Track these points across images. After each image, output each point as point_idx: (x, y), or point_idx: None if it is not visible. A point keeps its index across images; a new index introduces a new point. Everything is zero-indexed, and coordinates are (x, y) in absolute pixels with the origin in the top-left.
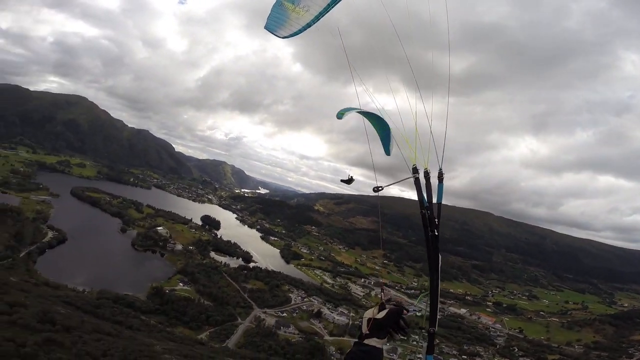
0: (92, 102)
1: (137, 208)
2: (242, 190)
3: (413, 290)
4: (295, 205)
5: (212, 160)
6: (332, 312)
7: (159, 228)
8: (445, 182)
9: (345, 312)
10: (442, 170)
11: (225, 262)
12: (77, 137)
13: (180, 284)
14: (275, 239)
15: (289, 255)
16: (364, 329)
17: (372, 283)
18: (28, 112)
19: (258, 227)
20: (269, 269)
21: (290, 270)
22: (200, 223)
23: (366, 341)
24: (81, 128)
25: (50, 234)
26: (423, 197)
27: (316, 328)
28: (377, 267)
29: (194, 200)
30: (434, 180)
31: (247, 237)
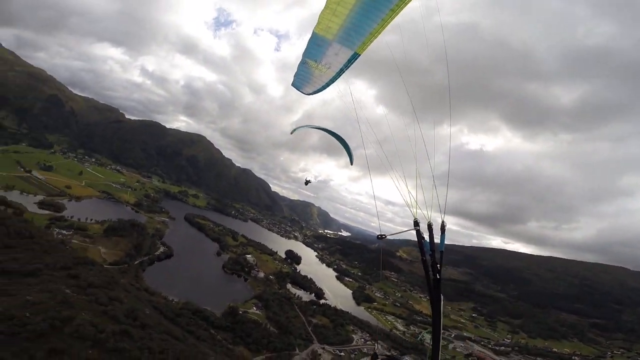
0: (209, 141)
1: (233, 236)
2: (326, 231)
3: (503, 347)
4: (375, 249)
5: (301, 201)
6: None
7: (247, 256)
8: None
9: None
10: (445, 222)
11: (298, 295)
12: (195, 172)
13: (254, 308)
14: (350, 280)
15: (360, 297)
16: None
17: (453, 336)
18: (163, 147)
19: (335, 266)
20: (338, 308)
21: (360, 312)
22: (283, 256)
23: None
24: (199, 164)
25: (161, 249)
26: (425, 246)
27: None
28: (462, 320)
29: (281, 236)
30: (437, 230)
31: (323, 275)
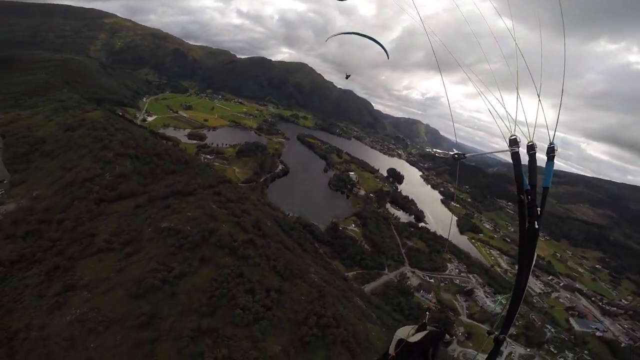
0: (310, 68)
1: (338, 154)
2: (434, 150)
3: (615, 309)
4: (492, 174)
5: (407, 118)
6: (487, 297)
7: (350, 173)
8: None
9: (504, 301)
10: (554, 144)
11: (396, 216)
12: (302, 96)
13: (353, 225)
14: (457, 205)
15: (465, 226)
16: (391, 350)
17: (561, 285)
18: (272, 78)
19: (441, 189)
20: (437, 233)
21: (461, 241)
22: (385, 174)
23: None
24: (304, 89)
25: (280, 167)
26: (523, 177)
27: (457, 305)
28: (580, 270)
29: (384, 153)
30: (541, 156)
31: (426, 197)
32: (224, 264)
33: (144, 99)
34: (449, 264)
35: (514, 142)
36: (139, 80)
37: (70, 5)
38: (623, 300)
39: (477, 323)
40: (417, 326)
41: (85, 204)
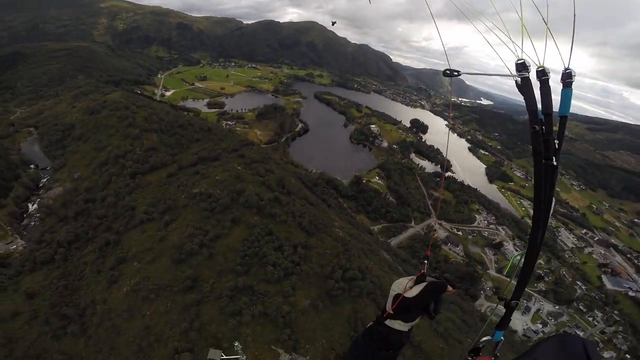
0: (322, 25)
1: (357, 108)
2: (460, 99)
3: None
4: (523, 121)
5: (429, 69)
6: (517, 250)
7: (371, 126)
8: None
9: (518, 260)
10: (571, 69)
11: (422, 166)
12: (316, 54)
13: (376, 177)
14: (486, 153)
15: (495, 174)
16: (388, 306)
17: (595, 240)
18: (283, 39)
19: (469, 137)
20: (465, 183)
21: (491, 191)
22: (408, 125)
23: (388, 322)
24: (317, 47)
25: (300, 125)
26: (536, 106)
27: (486, 258)
28: (617, 224)
29: (406, 105)
30: (554, 84)
31: (452, 146)
32: (253, 224)
33: (159, 75)
34: (477, 215)
35: (521, 67)
36: (150, 58)
37: None
38: None
39: (505, 278)
40: (414, 277)
41: (122, 179)
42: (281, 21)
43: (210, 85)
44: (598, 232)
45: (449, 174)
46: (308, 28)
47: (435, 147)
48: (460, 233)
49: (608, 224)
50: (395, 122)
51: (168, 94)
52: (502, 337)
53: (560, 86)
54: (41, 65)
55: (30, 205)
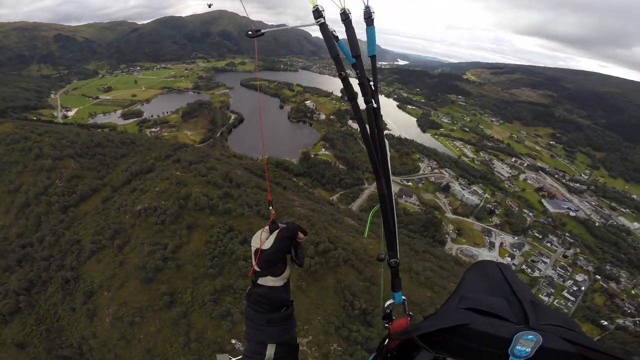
0: (231, 13)
1: (289, 88)
2: (380, 63)
3: (578, 185)
4: (438, 74)
5: (344, 39)
6: (464, 189)
7: (307, 102)
8: None
9: (480, 191)
10: (370, 7)
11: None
12: (232, 42)
13: (323, 149)
14: (413, 107)
15: (426, 124)
16: (254, 263)
17: (525, 165)
18: (190, 34)
19: (395, 96)
20: (402, 137)
21: (426, 139)
22: (339, 95)
23: (260, 281)
24: (232, 35)
25: (233, 117)
26: (337, 51)
27: (440, 203)
28: (537, 148)
29: (334, 76)
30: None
31: (383, 107)
32: (210, 224)
33: (53, 95)
34: (420, 164)
35: (317, 14)
36: (33, 78)
37: None
38: (583, 175)
39: (462, 218)
40: (267, 228)
41: (53, 216)
42: (183, 15)
43: (119, 94)
44: (525, 159)
45: (386, 132)
46: (216, 17)
47: None
48: (410, 184)
49: (530, 150)
50: (328, 94)
51: (71, 113)
52: (403, 297)
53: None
54: None
55: None
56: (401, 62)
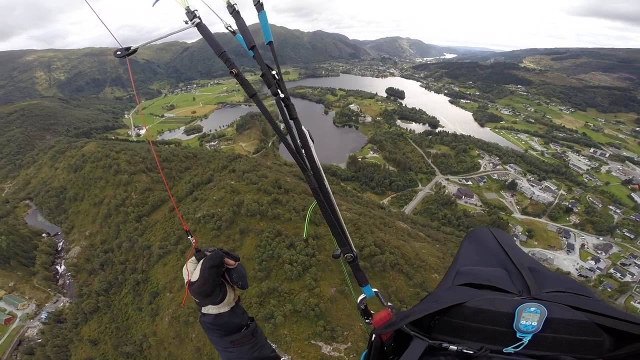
0: (270, 24)
1: (332, 92)
2: (425, 59)
3: None
4: (491, 65)
5: (385, 38)
6: (533, 186)
7: (351, 105)
8: None
9: (553, 187)
10: None
11: (410, 129)
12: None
13: (371, 152)
14: (467, 101)
15: (483, 118)
16: (185, 296)
17: (608, 156)
18: (236, 48)
19: (445, 91)
20: (457, 133)
21: (485, 134)
22: (385, 95)
23: (203, 310)
24: (274, 46)
25: (282, 126)
26: (222, 48)
27: (505, 202)
28: (620, 136)
29: (377, 77)
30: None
31: (433, 103)
32: (260, 229)
33: (126, 116)
34: (480, 161)
35: (191, 14)
36: (108, 101)
37: None
38: None
39: (533, 218)
40: (194, 259)
41: (129, 225)
42: (227, 31)
43: (180, 112)
44: (606, 148)
45: (439, 129)
46: (257, 30)
47: (417, 108)
48: (470, 183)
49: (612, 139)
50: (372, 96)
51: (142, 132)
52: (373, 290)
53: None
54: (1, 133)
55: (58, 268)
56: (448, 56)
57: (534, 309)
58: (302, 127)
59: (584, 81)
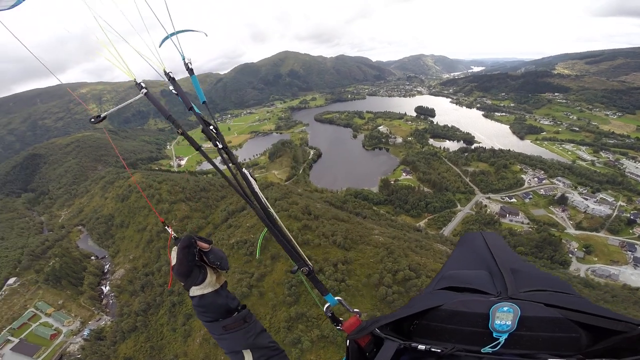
0: (294, 52)
1: (359, 116)
2: (452, 74)
3: None
4: (522, 74)
5: (408, 56)
6: (587, 199)
7: (380, 127)
8: None
9: (609, 199)
10: (186, 58)
11: (444, 147)
12: (301, 80)
13: (404, 174)
14: (502, 114)
15: (522, 130)
16: (169, 280)
17: None
18: (264, 77)
19: (478, 106)
20: (495, 148)
21: (525, 147)
22: (414, 115)
23: (190, 293)
24: (299, 73)
25: (312, 152)
26: (167, 111)
27: (556, 218)
28: None
29: (404, 97)
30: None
31: (466, 119)
32: None
33: (168, 147)
34: (523, 176)
35: (139, 86)
36: (152, 132)
37: (36, 88)
38: None
39: (590, 233)
40: (175, 247)
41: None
42: (255, 61)
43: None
44: None
45: (475, 145)
46: (282, 59)
47: (450, 125)
48: (514, 200)
49: None
50: (401, 116)
51: (183, 162)
52: (336, 298)
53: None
54: (60, 164)
55: (103, 288)
56: (476, 69)
57: (506, 308)
58: (243, 169)
59: (626, 83)
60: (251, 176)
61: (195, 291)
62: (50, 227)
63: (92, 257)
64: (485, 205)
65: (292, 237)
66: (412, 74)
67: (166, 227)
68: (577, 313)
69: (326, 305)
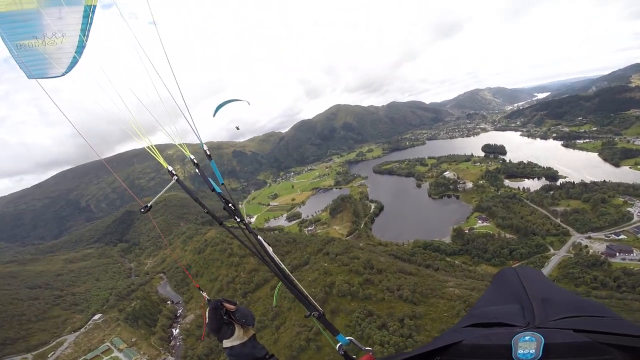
0: (345, 105)
1: (421, 163)
2: (515, 105)
3: None
4: (595, 94)
5: (464, 93)
6: None
7: (445, 173)
8: None
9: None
10: (205, 147)
11: (523, 187)
12: (355, 132)
13: (479, 222)
14: (585, 140)
15: (615, 156)
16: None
17: None
18: (321, 132)
19: (554, 135)
20: (587, 181)
21: (624, 174)
22: (482, 155)
23: (223, 344)
24: (353, 125)
25: (372, 206)
26: (196, 194)
27: None
28: None
29: (467, 136)
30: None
31: (543, 152)
32: (350, 310)
33: (240, 205)
34: (630, 209)
35: (171, 174)
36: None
37: (134, 149)
38: None
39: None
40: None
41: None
42: (311, 117)
43: (282, 200)
44: None
45: (561, 180)
46: (334, 112)
47: (526, 161)
48: (623, 237)
49: None
50: (468, 158)
51: (253, 219)
52: (347, 338)
53: None
54: (150, 220)
55: (174, 331)
56: (540, 95)
57: (528, 337)
58: (258, 236)
59: None
60: (265, 242)
61: (226, 343)
62: (137, 273)
63: (168, 302)
64: (586, 246)
65: (303, 288)
66: (471, 111)
67: (200, 291)
68: (607, 335)
69: (338, 345)
